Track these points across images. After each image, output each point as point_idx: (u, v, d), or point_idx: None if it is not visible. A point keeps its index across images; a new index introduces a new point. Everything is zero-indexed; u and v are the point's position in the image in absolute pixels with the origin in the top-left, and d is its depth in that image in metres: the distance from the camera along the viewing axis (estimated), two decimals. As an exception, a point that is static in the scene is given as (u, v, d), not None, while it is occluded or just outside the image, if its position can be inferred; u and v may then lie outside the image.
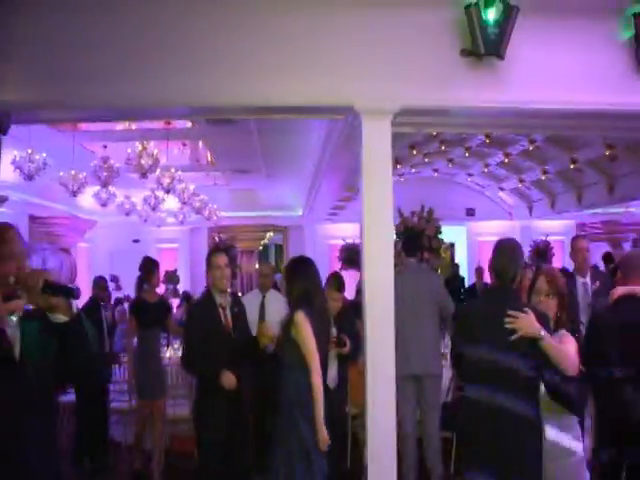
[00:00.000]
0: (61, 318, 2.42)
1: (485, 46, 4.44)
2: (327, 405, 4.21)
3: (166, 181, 8.67)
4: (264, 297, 6.23)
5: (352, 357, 5.39)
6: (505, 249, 3.89)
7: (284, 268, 4.48)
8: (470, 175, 13.81)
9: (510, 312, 3.45)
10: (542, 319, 3.48)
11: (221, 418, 4.70)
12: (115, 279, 12.58)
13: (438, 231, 7.31)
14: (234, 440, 4.78)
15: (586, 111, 4.78)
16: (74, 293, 2.44)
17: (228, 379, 4.64)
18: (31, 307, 2.44)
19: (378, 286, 4.55)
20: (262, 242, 15.79)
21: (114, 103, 4.60)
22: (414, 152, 10.13)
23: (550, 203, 13.44)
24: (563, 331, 3.56)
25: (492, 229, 15.53)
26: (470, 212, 15.21)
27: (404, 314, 4.49)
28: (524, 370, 3.43)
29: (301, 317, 4.20)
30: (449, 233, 16.47)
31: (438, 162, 12.84)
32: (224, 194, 14.24)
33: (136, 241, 15.56)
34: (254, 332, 5.10)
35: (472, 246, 15.66)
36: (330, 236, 15.40)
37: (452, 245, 16.52)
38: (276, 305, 6.00)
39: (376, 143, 4.66)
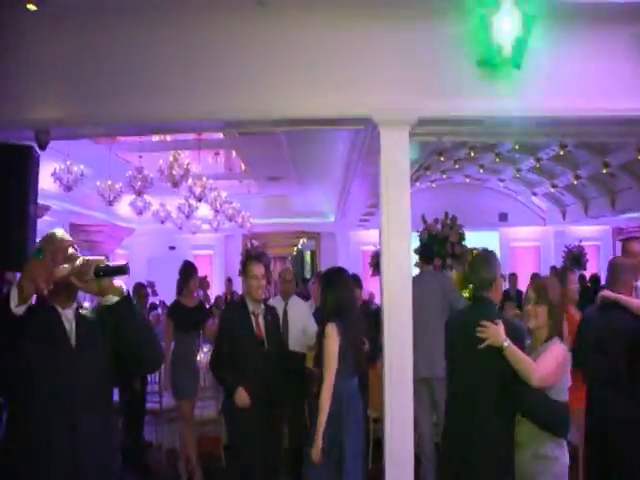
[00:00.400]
0: (113, 299, 2.49)
1: (502, 56, 4.54)
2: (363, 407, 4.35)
3: (198, 190, 8.92)
4: (286, 304, 6.22)
5: (371, 359, 5.47)
6: (479, 260, 4.02)
7: (319, 278, 4.63)
8: (502, 180, 13.79)
9: (482, 322, 3.54)
10: (513, 331, 3.54)
11: (251, 424, 4.71)
12: (151, 285, 12.89)
13: (462, 238, 7.37)
14: (263, 449, 4.79)
15: (604, 118, 4.83)
16: (124, 269, 2.47)
17: (241, 397, 4.68)
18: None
19: (396, 292, 4.66)
20: (295, 248, 15.96)
21: (143, 119, 4.83)
22: (442, 159, 10.19)
23: (583, 208, 13.34)
24: (554, 340, 3.54)
25: (525, 234, 15.48)
26: (503, 217, 15.16)
27: (414, 318, 4.61)
28: (492, 387, 3.54)
29: (331, 329, 4.32)
30: (481, 239, 16.49)
31: (469, 168, 12.86)
32: (257, 201, 14.48)
33: (172, 248, 15.91)
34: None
35: (505, 252, 15.59)
36: (362, 242, 15.52)
37: (485, 251, 16.46)
38: (297, 312, 6.08)
39: (394, 153, 4.78)
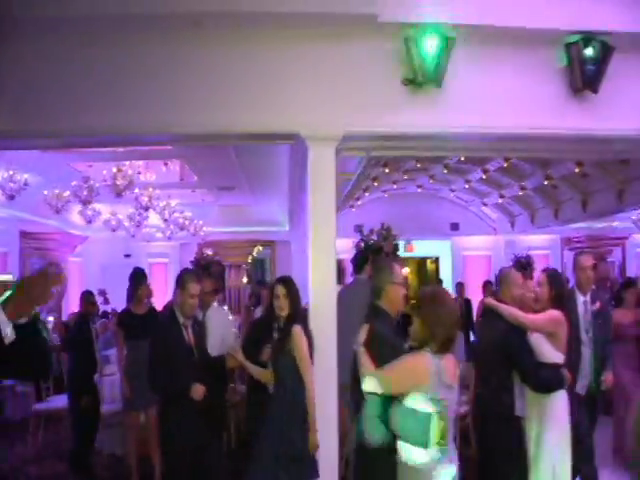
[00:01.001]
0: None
1: (424, 75, 4.74)
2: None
3: (145, 199, 8.97)
4: (204, 315, 6.03)
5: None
6: (374, 268, 4.19)
7: (275, 287, 4.73)
8: (453, 191, 14.06)
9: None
10: (380, 342, 3.62)
11: (189, 429, 4.80)
12: (102, 293, 12.84)
13: (396, 248, 7.55)
14: (203, 451, 4.91)
15: (522, 135, 5.07)
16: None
17: (197, 391, 4.78)
18: None
19: (322, 302, 4.84)
20: (250, 257, 16.04)
21: (91, 132, 4.94)
22: (387, 170, 10.38)
23: (530, 218, 13.69)
24: (422, 350, 3.42)
25: (477, 243, 15.78)
26: (454, 227, 15.45)
27: (341, 325, 4.78)
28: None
29: (299, 331, 4.44)
30: (434, 248, 16.79)
31: (421, 178, 13.10)
32: (212, 210, 14.54)
33: (127, 256, 15.84)
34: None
35: (458, 261, 15.89)
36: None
37: (437, 260, 16.77)
38: (217, 321, 6.06)
39: (321, 167, 4.96)
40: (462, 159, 10.52)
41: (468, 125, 4.90)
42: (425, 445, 3.22)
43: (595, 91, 4.91)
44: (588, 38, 4.85)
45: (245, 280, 15.75)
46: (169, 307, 5.54)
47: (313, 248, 4.91)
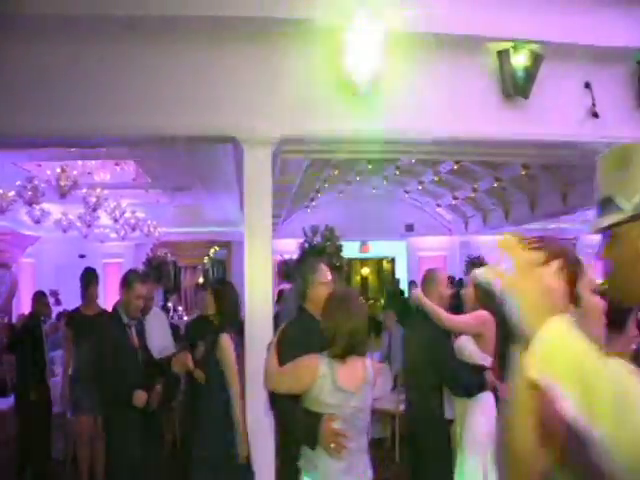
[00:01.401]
0: None
1: (357, 80, 4.80)
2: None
3: (92, 199, 8.91)
4: (144, 319, 5.83)
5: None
6: (299, 270, 4.24)
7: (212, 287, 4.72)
8: (407, 192, 14.21)
9: None
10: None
11: (134, 434, 4.78)
12: (54, 293, 12.68)
13: (339, 249, 7.61)
14: (147, 456, 4.87)
15: (456, 139, 5.18)
16: None
17: (139, 399, 4.73)
18: None
19: (258, 306, 4.86)
20: (206, 257, 15.98)
21: (27, 133, 4.91)
22: (336, 172, 10.45)
23: (483, 219, 13.91)
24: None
25: (432, 244, 15.98)
26: (409, 228, 15.62)
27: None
28: None
29: (226, 340, 4.44)
30: (390, 248, 16.94)
31: (375, 179, 13.20)
32: (168, 210, 14.43)
33: (82, 256, 15.66)
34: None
35: (413, 261, 16.05)
36: (273, 251, 15.67)
37: (393, 260, 16.93)
38: (156, 325, 6.05)
39: (257, 170, 4.99)
40: (413, 161, 10.65)
41: (402, 129, 4.98)
42: (312, 446, 3.20)
43: (526, 97, 5.03)
44: (518, 46, 4.97)
45: (201, 281, 15.69)
46: (114, 307, 5.53)
47: (248, 251, 4.94)
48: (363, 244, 15.45)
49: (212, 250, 15.12)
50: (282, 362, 3.41)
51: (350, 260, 18.12)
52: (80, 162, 9.88)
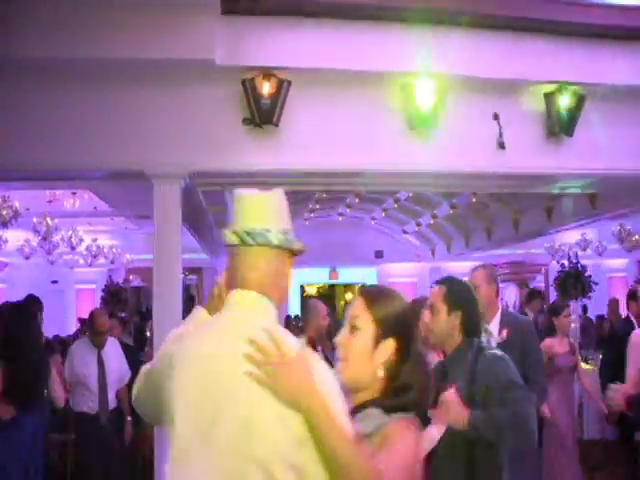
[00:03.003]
0: None
1: (260, 115, 4.95)
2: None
3: (43, 228, 9.07)
4: (100, 350, 6.10)
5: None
6: None
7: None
8: (374, 219, 14.34)
9: None
10: None
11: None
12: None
13: None
14: None
15: (361, 170, 5.31)
16: None
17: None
18: None
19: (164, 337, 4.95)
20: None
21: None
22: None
23: (447, 246, 14.02)
24: None
25: (402, 271, 16.08)
26: (379, 254, 15.73)
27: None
28: None
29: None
30: (360, 275, 17.03)
31: (340, 207, 13.33)
32: (138, 237, 14.56)
33: (55, 282, 15.78)
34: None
35: (383, 287, 16.11)
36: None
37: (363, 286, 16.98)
38: (113, 356, 6.19)
39: (166, 204, 5.12)
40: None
41: (307, 163, 5.11)
42: None
43: (430, 128, 5.16)
44: (421, 77, 5.11)
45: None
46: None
47: (157, 283, 5.04)
48: (333, 270, 15.53)
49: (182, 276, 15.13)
50: None
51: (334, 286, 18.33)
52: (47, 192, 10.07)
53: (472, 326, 2.69)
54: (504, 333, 3.89)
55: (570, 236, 13.14)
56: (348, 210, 13.25)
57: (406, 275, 16.04)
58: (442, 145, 5.25)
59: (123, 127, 5.00)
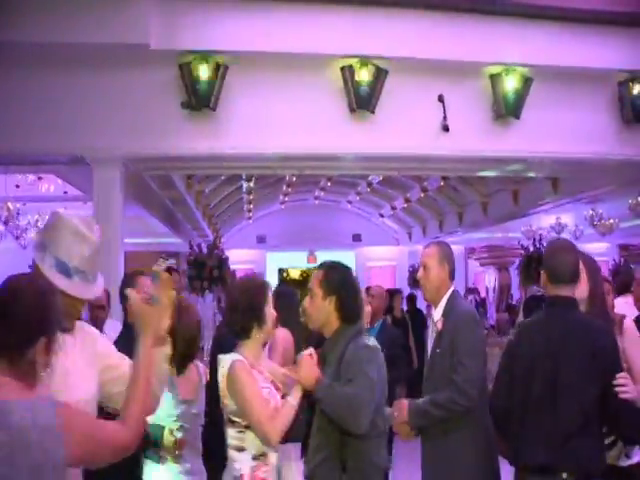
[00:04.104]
0: None
1: (198, 99, 4.90)
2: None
3: (4, 214, 9.03)
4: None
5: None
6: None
7: None
8: (350, 202, 14.28)
9: None
10: None
11: None
12: None
13: (220, 261, 7.70)
14: None
15: (301, 155, 5.27)
16: None
17: None
18: None
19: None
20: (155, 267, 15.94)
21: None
22: (251, 184, 10.50)
23: (422, 230, 13.98)
24: None
25: (381, 254, 16.03)
26: (357, 238, 15.67)
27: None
28: None
29: None
30: (337, 258, 16.91)
31: (315, 190, 13.24)
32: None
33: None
34: None
35: (361, 272, 16.07)
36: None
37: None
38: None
39: (105, 189, 5.11)
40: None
41: (245, 147, 5.07)
42: (157, 460, 3.16)
43: (372, 112, 5.11)
44: (363, 62, 5.06)
45: (149, 292, 15.64)
46: None
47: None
48: (310, 254, 15.48)
49: (160, 260, 15.09)
50: None
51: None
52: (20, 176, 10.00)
53: (348, 312, 2.64)
54: (439, 324, 3.33)
55: (545, 220, 13.11)
56: (322, 193, 13.19)
57: (385, 259, 16.01)
58: (384, 128, 5.22)
59: (61, 113, 4.97)
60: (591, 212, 11.73)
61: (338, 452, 2.50)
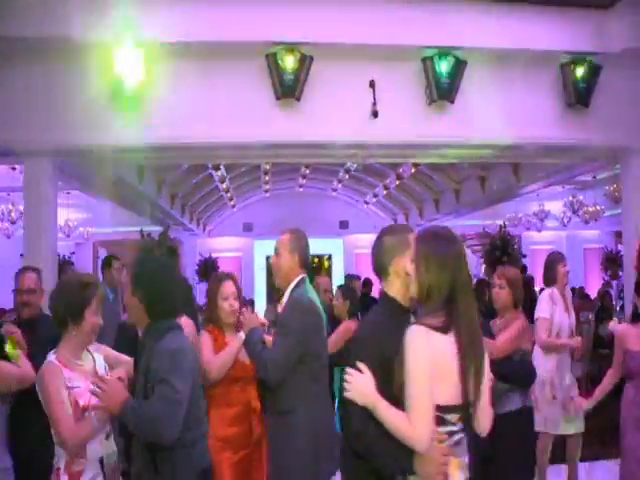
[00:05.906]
0: None
1: (125, 90, 4.92)
2: None
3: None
4: None
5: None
6: None
7: None
8: (334, 190, 14.27)
9: None
10: None
11: None
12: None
13: (172, 248, 7.74)
14: None
15: (224, 142, 5.29)
16: None
17: None
18: None
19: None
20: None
21: None
22: (221, 172, 10.55)
23: (405, 217, 13.95)
24: None
25: (369, 241, 15.94)
26: (344, 225, 15.66)
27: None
28: None
29: None
30: (326, 246, 16.99)
31: (297, 177, 13.24)
32: (104, 209, 14.58)
33: (23, 255, 15.85)
34: None
35: (349, 258, 16.09)
36: (213, 249, 15.82)
37: (330, 257, 16.99)
38: None
39: (36, 181, 5.18)
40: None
41: (172, 137, 5.11)
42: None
43: (297, 99, 5.11)
44: (289, 49, 5.05)
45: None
46: None
47: (30, 258, 5.10)
48: (297, 241, 15.49)
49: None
50: None
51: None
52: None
53: (153, 309, 2.54)
54: (279, 308, 3.55)
55: (530, 207, 13.05)
56: (304, 181, 13.19)
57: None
58: (311, 115, 5.21)
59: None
60: (571, 199, 11.66)
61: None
